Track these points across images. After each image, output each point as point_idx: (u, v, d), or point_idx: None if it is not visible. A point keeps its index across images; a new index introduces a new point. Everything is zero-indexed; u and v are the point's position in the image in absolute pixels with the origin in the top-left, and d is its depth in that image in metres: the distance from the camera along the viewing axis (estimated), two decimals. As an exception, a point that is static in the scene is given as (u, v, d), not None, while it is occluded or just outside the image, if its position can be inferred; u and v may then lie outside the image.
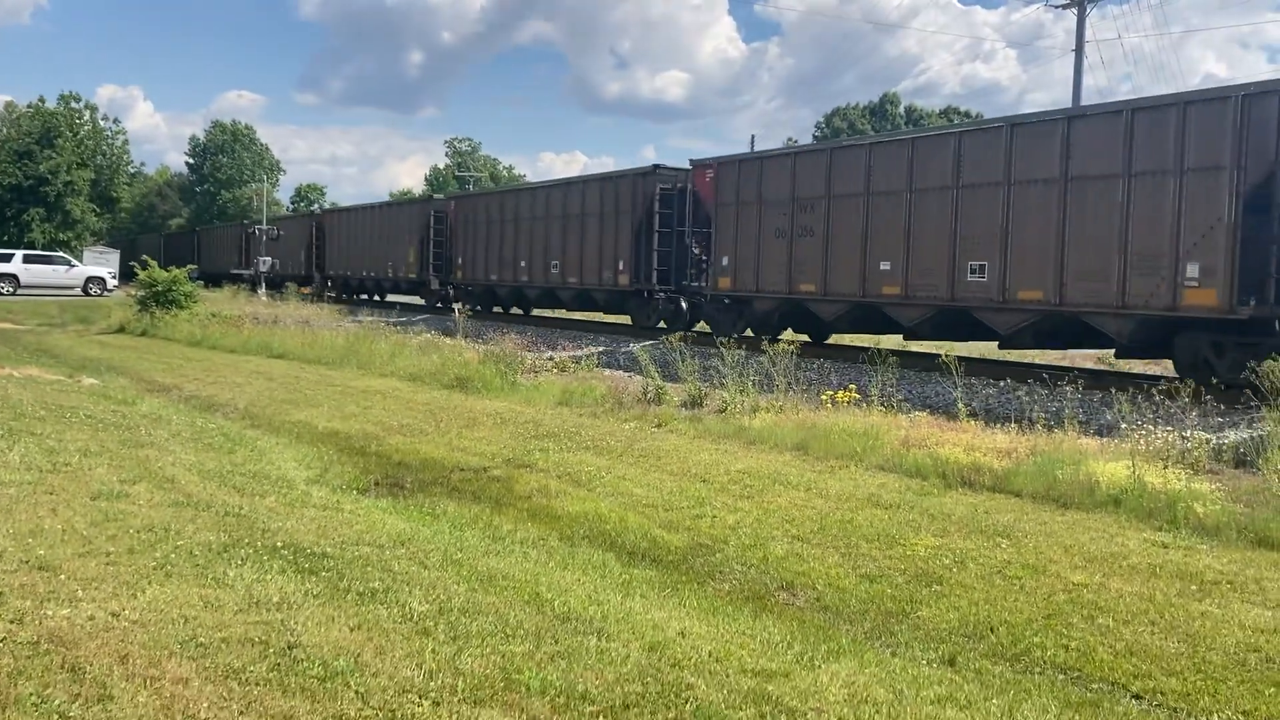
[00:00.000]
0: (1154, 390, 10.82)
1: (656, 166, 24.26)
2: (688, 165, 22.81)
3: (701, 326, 22.67)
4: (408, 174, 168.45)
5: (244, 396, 15.72)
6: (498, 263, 30.36)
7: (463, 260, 32.62)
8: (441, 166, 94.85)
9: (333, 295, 42.61)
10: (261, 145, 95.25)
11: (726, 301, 21.15)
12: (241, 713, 4.30)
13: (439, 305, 33.17)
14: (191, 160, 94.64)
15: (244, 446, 11.56)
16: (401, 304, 38.32)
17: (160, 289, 29.56)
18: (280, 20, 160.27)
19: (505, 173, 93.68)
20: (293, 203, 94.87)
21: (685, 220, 22.65)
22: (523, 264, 28.86)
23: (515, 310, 32.16)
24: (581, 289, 26.48)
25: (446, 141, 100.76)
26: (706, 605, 6.51)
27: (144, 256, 34.15)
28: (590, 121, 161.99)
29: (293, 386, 16.94)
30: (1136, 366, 18.55)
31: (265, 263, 46.21)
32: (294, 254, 47.46)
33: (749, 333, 20.21)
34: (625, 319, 26.15)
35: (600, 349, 21.14)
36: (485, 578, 6.60)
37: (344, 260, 42.21)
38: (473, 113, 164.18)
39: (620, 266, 24.55)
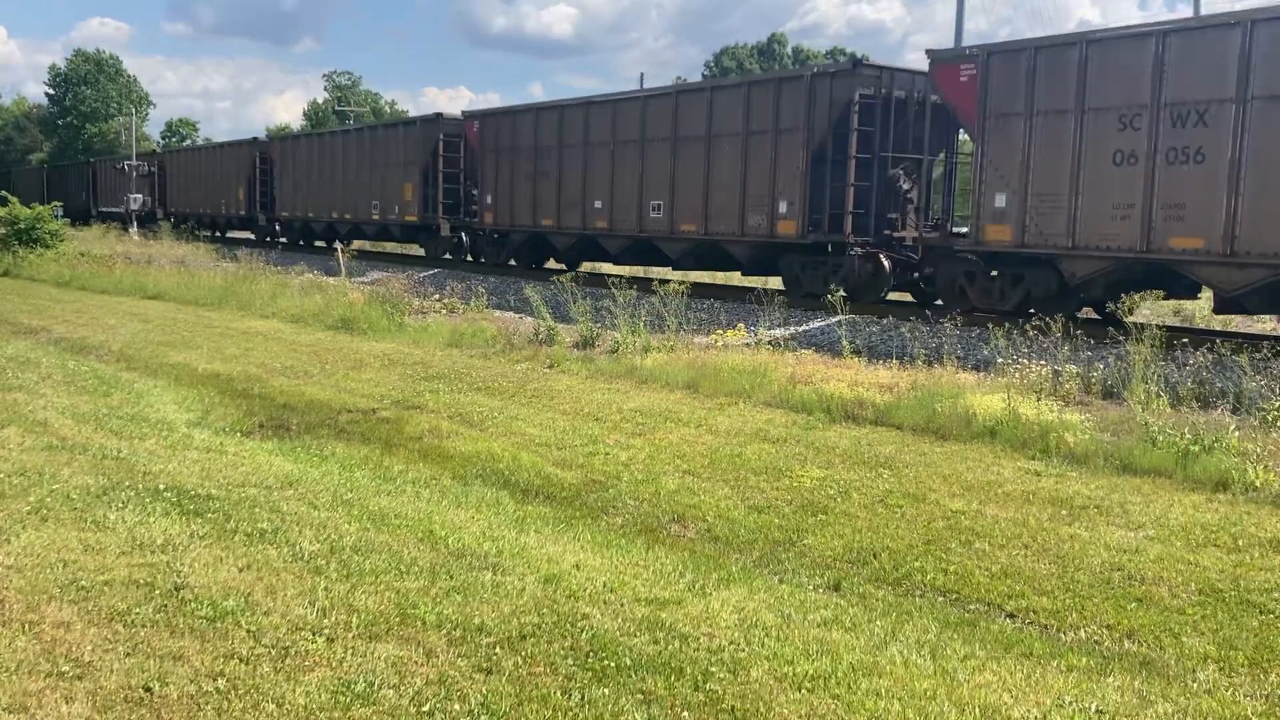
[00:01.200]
0: (1028, 326, 11.23)
1: (858, 62, 16.87)
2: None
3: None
4: (285, 108, 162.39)
5: (118, 339, 15.16)
6: (553, 203, 21.89)
7: (492, 199, 23.86)
8: (320, 101, 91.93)
9: (284, 242, 35.16)
10: (129, 76, 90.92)
11: (972, 258, 14.64)
12: (128, 654, 4.22)
13: (448, 256, 26.55)
14: (52, 91, 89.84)
15: (120, 389, 11.18)
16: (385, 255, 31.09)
17: (23, 227, 28.16)
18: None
19: (387, 108, 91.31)
20: (163, 138, 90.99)
21: (890, 139, 16.36)
22: (597, 204, 20.73)
23: (556, 266, 23.80)
24: (705, 239, 18.53)
25: (325, 75, 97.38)
26: (601, 539, 6.59)
27: (2, 193, 31.73)
28: (476, 56, 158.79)
29: (169, 328, 16.40)
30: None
31: (136, 200, 44.32)
32: (228, 191, 38.38)
33: (1028, 311, 13.61)
34: (768, 282, 18.56)
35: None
36: (377, 517, 6.55)
37: (303, 200, 33.13)
38: (353, 45, 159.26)
39: (781, 209, 17.07)
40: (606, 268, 23.08)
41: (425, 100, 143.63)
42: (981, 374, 11.06)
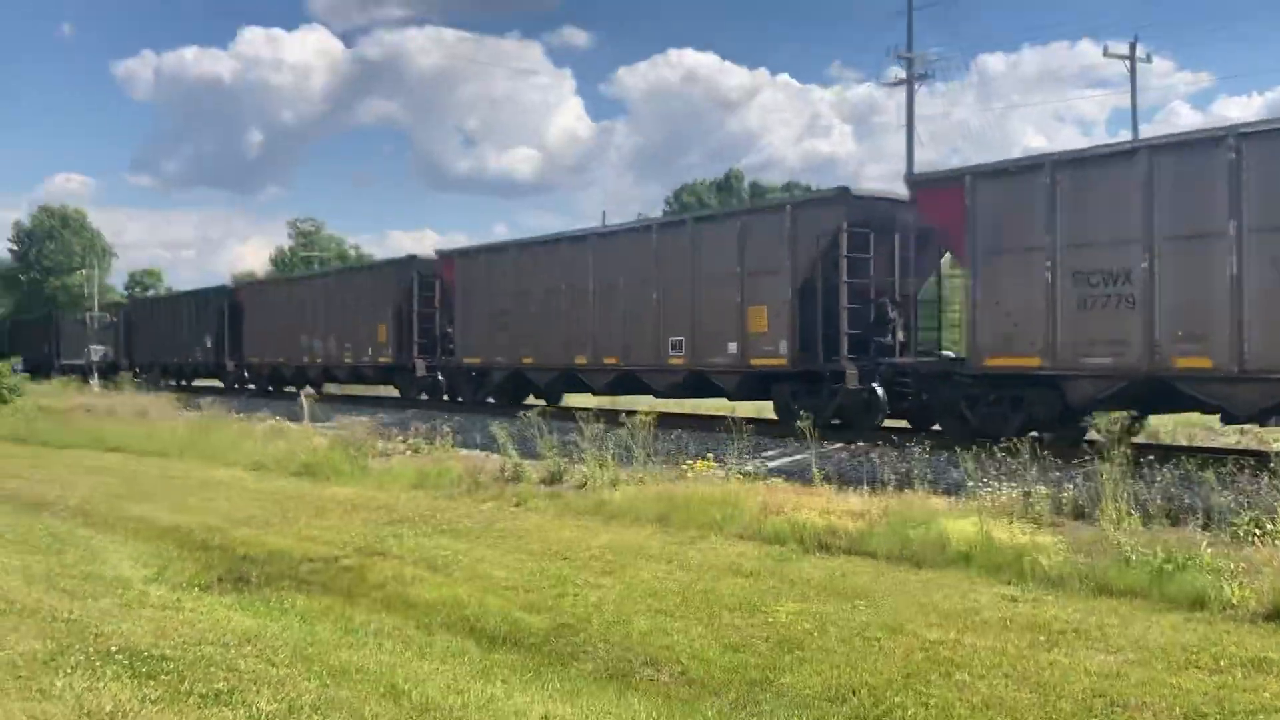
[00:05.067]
0: (996, 448, 11.24)
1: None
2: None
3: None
4: (251, 255, 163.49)
5: (76, 493, 14.83)
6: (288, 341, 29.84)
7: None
8: (286, 247, 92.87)
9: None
10: (93, 230, 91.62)
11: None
12: (68, 838, 3.96)
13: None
14: (16, 247, 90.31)
15: (75, 546, 10.88)
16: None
17: (-20, 383, 27.90)
18: (109, 101, 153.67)
19: (352, 252, 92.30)
20: (127, 288, 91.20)
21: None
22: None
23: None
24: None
25: (290, 221, 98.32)
26: (570, 687, 6.37)
27: None
28: (439, 199, 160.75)
29: (129, 480, 16.10)
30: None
31: (97, 351, 44.16)
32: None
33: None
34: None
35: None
36: (338, 672, 6.31)
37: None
38: (316, 192, 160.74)
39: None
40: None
41: (390, 243, 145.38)
42: (952, 498, 11.00)
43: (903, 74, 37.22)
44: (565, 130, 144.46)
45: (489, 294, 23.49)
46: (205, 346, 36.73)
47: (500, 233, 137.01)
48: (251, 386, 34.85)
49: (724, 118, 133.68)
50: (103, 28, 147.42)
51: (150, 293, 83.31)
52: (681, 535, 10.50)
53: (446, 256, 25.70)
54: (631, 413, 15.20)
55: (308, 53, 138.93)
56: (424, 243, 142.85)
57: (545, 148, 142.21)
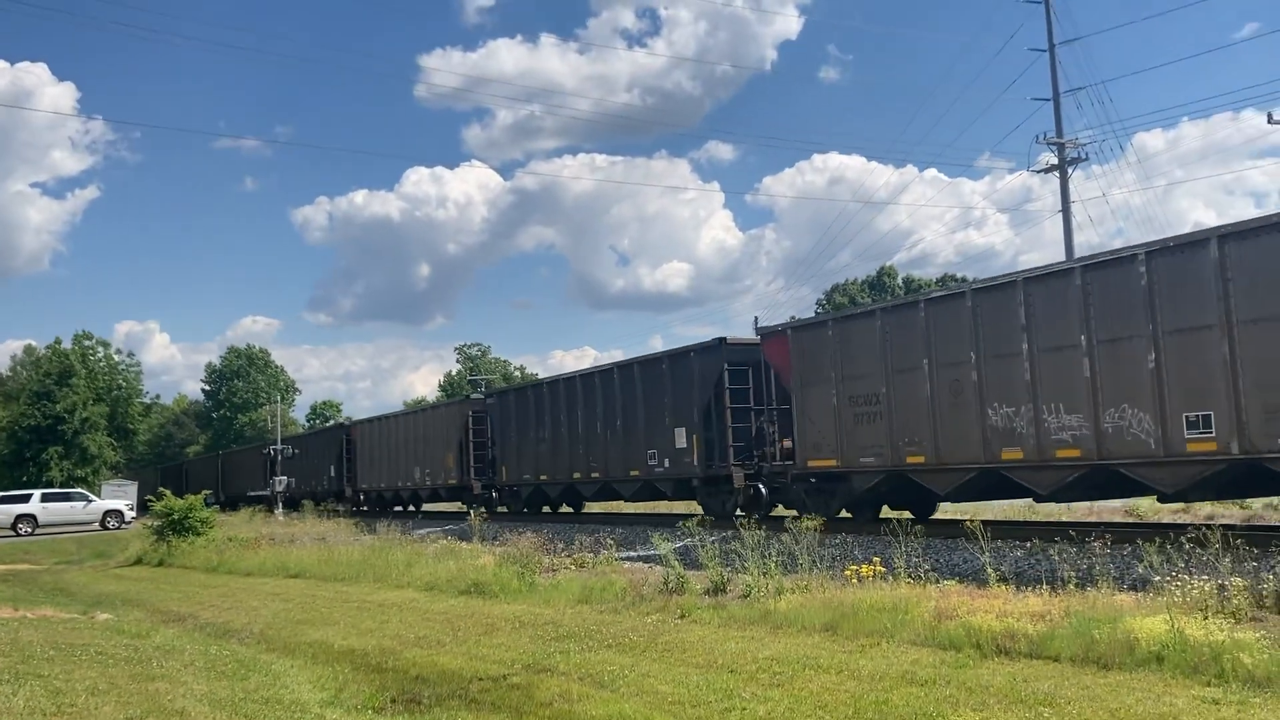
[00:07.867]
0: (1183, 539, 10.55)
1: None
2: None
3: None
4: (421, 382, 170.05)
5: (259, 620, 15.43)
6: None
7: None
8: (454, 373, 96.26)
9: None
10: (276, 367, 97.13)
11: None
12: None
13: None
14: (208, 387, 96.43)
15: (258, 672, 11.26)
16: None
17: (176, 517, 29.53)
18: (289, 246, 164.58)
19: (518, 373, 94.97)
20: (309, 420, 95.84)
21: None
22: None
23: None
24: None
25: (457, 348, 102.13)
26: (740, 805, 6.17)
27: (161, 489, 33.44)
28: (596, 317, 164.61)
29: (308, 605, 16.65)
30: (1165, 515, 18.21)
31: (281, 482, 46.26)
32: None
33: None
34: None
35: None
36: (505, 793, 6.28)
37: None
38: (481, 318, 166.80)
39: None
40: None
41: (553, 362, 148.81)
42: (1139, 594, 10.35)
43: (1055, 159, 36.36)
44: (715, 242, 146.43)
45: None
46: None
47: (654, 345, 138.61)
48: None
49: (873, 217, 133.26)
50: (281, 178, 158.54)
51: (330, 423, 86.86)
52: (851, 644, 10.16)
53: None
54: (796, 518, 14.92)
55: (469, 187, 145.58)
56: (584, 360, 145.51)
57: (696, 260, 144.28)
